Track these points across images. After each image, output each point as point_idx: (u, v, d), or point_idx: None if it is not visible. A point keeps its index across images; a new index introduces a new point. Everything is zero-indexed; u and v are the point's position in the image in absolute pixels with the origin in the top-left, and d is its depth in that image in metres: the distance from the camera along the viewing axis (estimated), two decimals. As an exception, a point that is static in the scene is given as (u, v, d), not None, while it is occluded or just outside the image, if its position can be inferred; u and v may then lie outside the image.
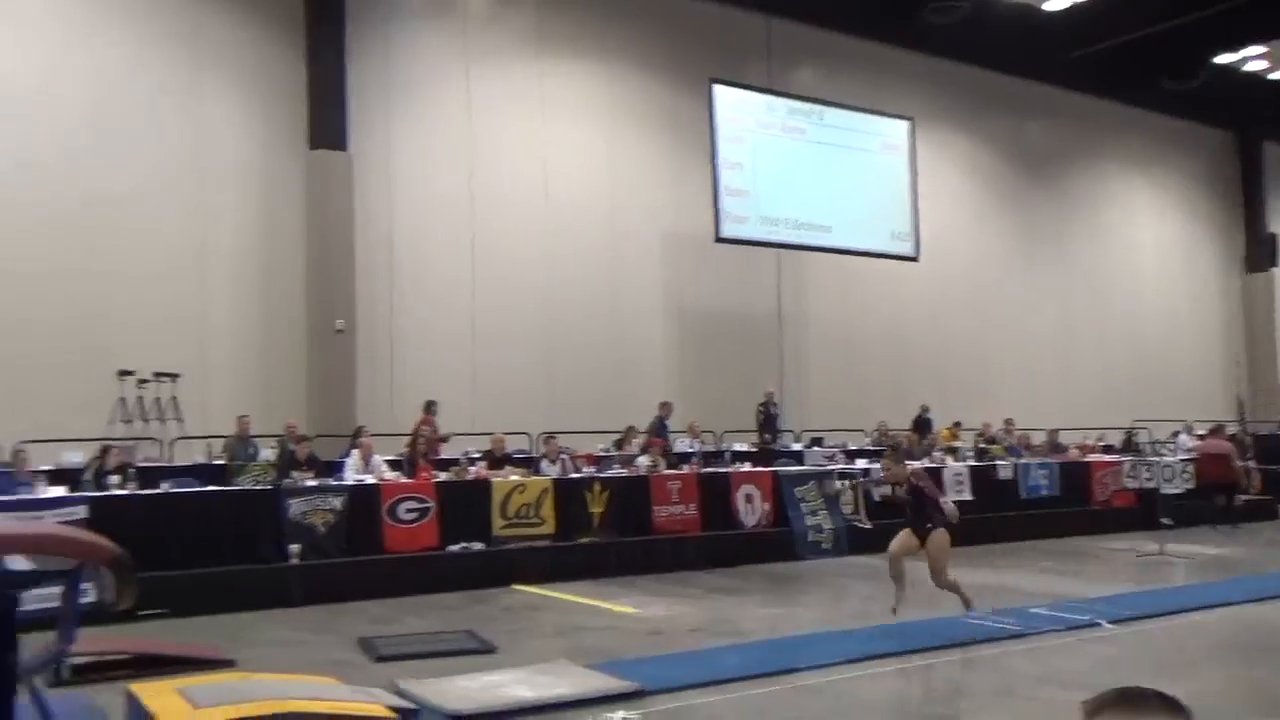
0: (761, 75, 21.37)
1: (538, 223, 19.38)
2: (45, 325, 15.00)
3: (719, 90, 20.19)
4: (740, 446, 17.66)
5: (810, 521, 14.14)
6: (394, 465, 12.99)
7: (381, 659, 7.84)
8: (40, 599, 6.84)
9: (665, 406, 17.08)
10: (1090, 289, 27.04)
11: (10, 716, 5.07)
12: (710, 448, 17.44)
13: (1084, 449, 19.45)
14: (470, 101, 18.94)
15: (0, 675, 5.01)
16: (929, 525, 8.69)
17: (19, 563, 5.49)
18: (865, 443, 19.24)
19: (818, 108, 21.52)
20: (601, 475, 13.63)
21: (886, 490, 9.61)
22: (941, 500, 9.04)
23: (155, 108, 16.38)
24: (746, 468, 15.04)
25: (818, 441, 18.61)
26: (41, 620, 5.88)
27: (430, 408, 15.59)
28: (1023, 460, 17.48)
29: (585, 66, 20.25)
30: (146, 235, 16.00)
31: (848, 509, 14.46)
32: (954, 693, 6.83)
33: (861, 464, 16.05)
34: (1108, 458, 18.85)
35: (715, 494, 13.75)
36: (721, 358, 20.88)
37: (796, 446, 18.43)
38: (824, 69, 22.80)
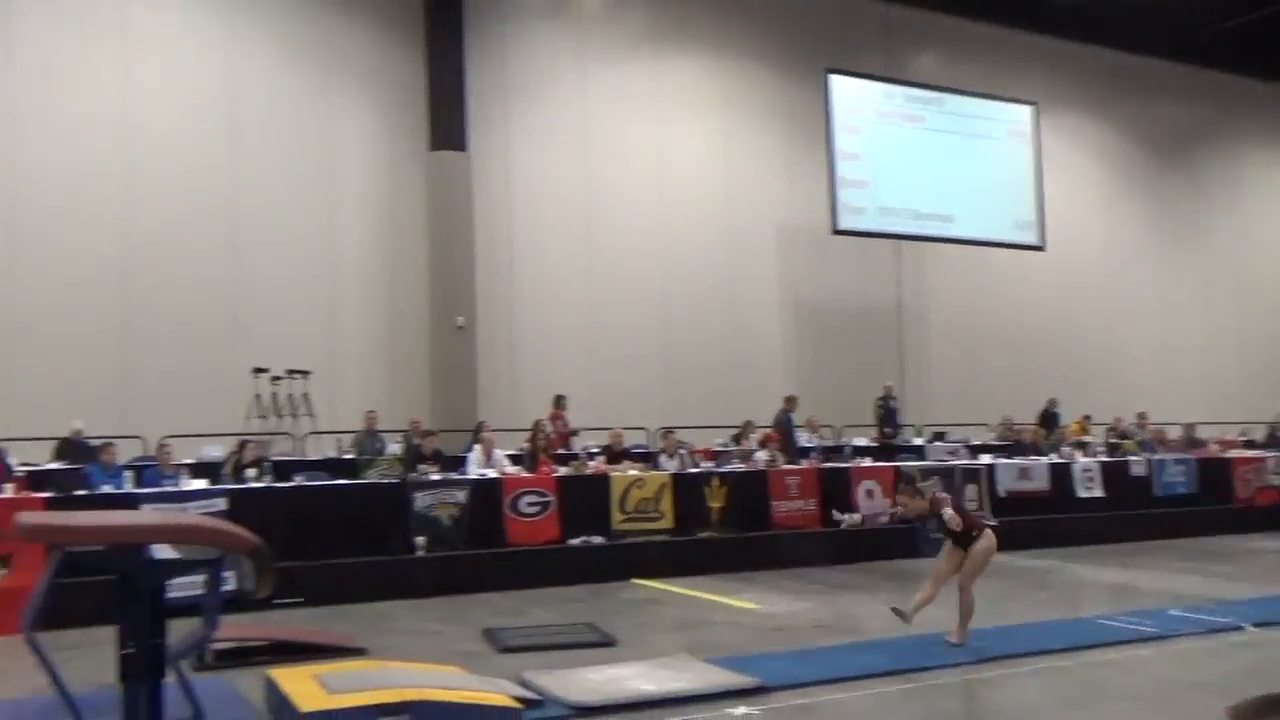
0: (879, 63, 21.01)
1: (653, 218, 19.47)
2: (188, 326, 15.75)
3: (835, 80, 19.94)
4: (860, 441, 17.41)
5: (933, 517, 13.83)
6: (515, 460, 13.19)
7: (506, 650, 7.96)
8: (185, 587, 7.18)
9: (790, 401, 16.85)
10: (1231, 276, 25.85)
11: (160, 697, 5.33)
12: (829, 442, 17.24)
13: (1224, 444, 18.60)
14: (586, 99, 19.13)
15: (150, 658, 5.28)
16: (974, 535, 8.05)
17: (166, 552, 5.73)
18: (989, 437, 18.78)
19: (937, 95, 21.08)
20: (720, 470, 13.61)
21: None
22: (945, 509, 8.12)
23: (288, 118, 17.03)
24: (867, 463, 14.82)
25: (939, 436, 18.25)
26: (187, 607, 6.17)
27: (560, 402, 15.75)
28: (1157, 456, 16.82)
29: (699, 61, 20.24)
30: (280, 238, 16.66)
31: (971, 505, 14.12)
32: (1091, 696, 6.60)
33: (986, 459, 15.67)
34: (1251, 453, 17.98)
35: (835, 489, 13.58)
36: (839, 351, 20.64)
37: (918, 441, 18.10)
38: (944, 55, 22.30)
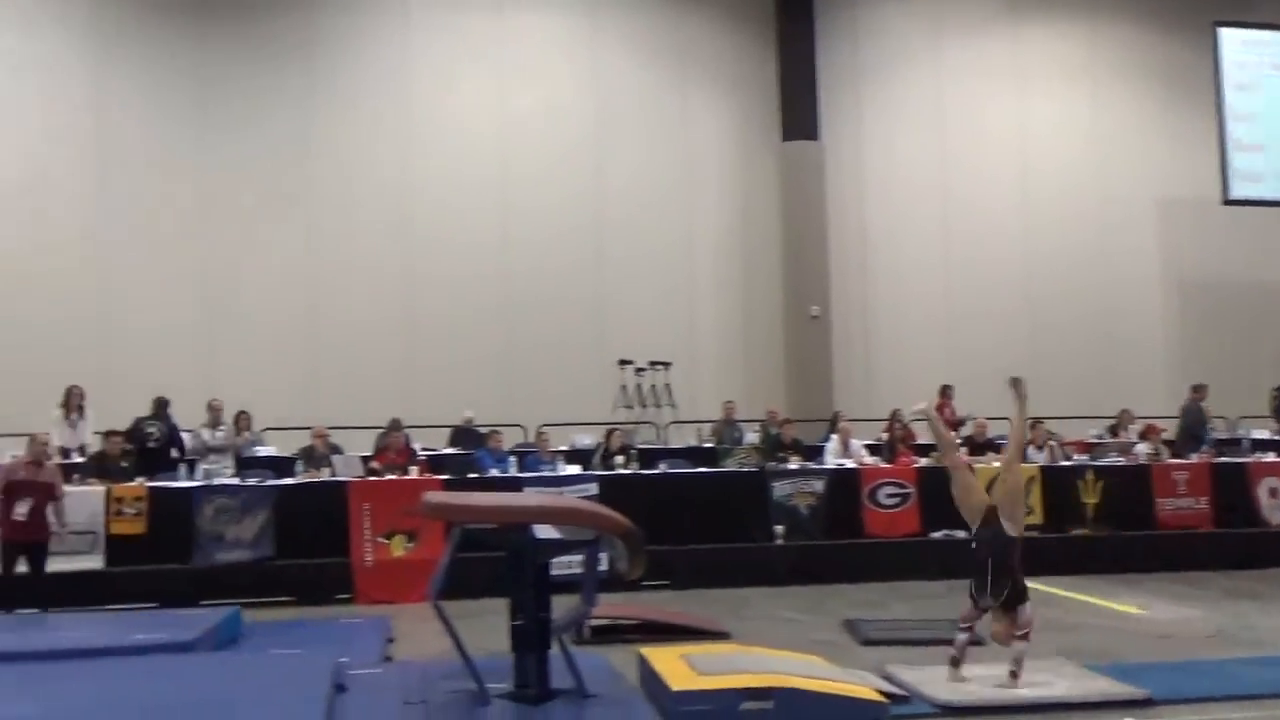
0: (1275, 11, 18.76)
1: (1015, 196, 18.54)
2: (560, 319, 16.88)
3: (1224, 34, 18.00)
4: (1260, 434, 15.63)
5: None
6: (872, 450, 13.02)
7: (868, 642, 7.89)
8: (565, 566, 7.70)
9: (1199, 390, 15.21)
10: None
11: (546, 666, 5.74)
12: (1222, 434, 15.61)
13: None
14: (941, 79, 18.53)
15: (538, 631, 5.70)
16: None
17: (548, 532, 6.14)
18: None
19: (1352, 41, 18.50)
20: (1095, 463, 12.72)
21: None
22: None
23: (647, 116, 17.80)
24: (1270, 457, 13.31)
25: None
26: (566, 585, 6.60)
27: (946, 391, 15.19)
28: None
29: (1062, 29, 19.02)
30: (641, 233, 17.43)
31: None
32: None
33: None
34: None
35: (1231, 487, 12.32)
36: (1230, 333, 18.63)
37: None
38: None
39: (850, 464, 12.16)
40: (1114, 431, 14.76)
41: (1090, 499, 12.06)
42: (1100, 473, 12.27)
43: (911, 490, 11.65)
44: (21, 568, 8.83)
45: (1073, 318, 18.37)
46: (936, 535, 11.53)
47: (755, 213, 17.96)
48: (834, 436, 12.94)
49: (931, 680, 6.36)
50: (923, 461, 12.46)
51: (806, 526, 11.37)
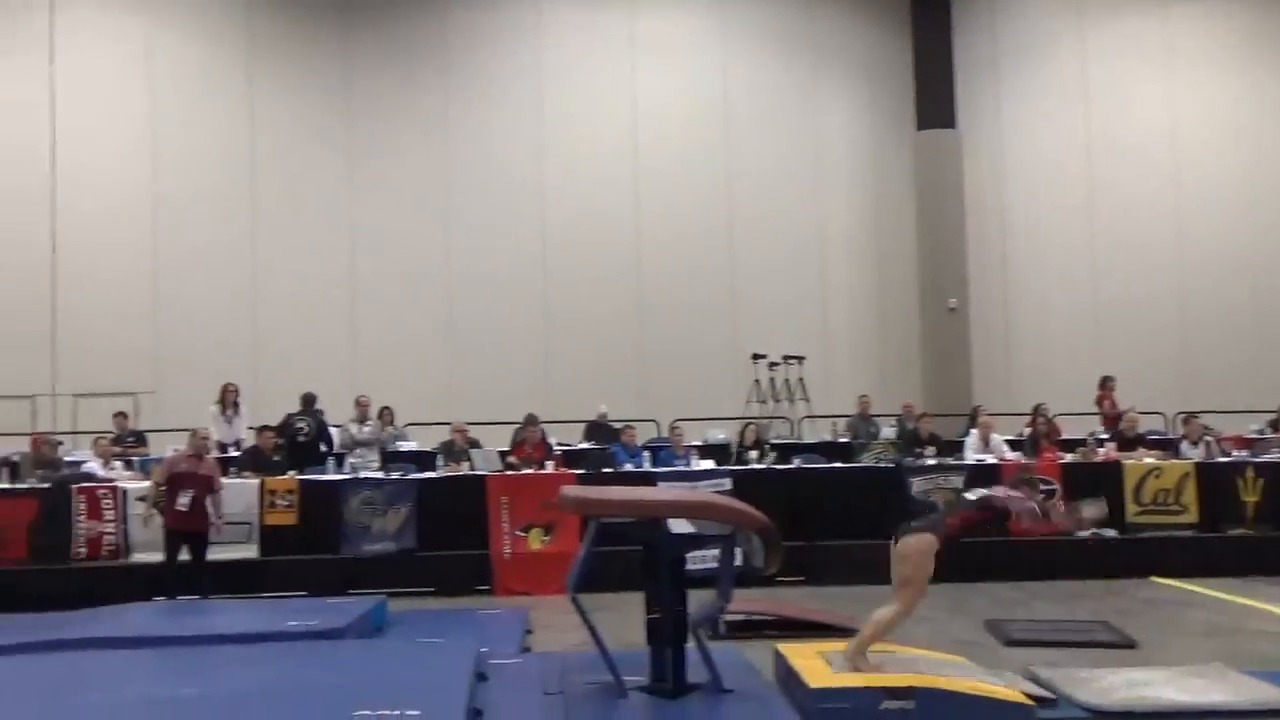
0: None
1: (1165, 181, 17.82)
2: (692, 314, 16.94)
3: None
4: None
5: None
6: (1014, 445, 12.64)
7: (1012, 643, 7.67)
8: (701, 561, 7.71)
9: None
10: None
11: (683, 660, 5.76)
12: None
13: None
14: (1086, 61, 17.91)
15: (674, 625, 5.73)
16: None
17: (683, 527, 6.16)
18: None
19: None
20: (1256, 460, 12.06)
21: None
22: None
23: (777, 110, 17.74)
24: None
25: None
26: (702, 580, 6.61)
27: (1107, 383, 14.62)
28: None
29: (1213, 6, 18.25)
30: (772, 227, 17.37)
31: None
32: None
33: None
34: None
35: None
36: None
37: None
38: None
39: (991, 459, 11.82)
40: (1275, 426, 13.98)
41: (1250, 497, 11.45)
42: (1261, 470, 11.64)
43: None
44: (184, 556, 9.30)
45: (1229, 307, 17.53)
46: (1084, 534, 11.12)
47: (889, 203, 17.66)
48: (974, 431, 12.62)
49: (1080, 683, 6.14)
50: (1068, 457, 12.04)
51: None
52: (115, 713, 5.10)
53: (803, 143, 17.71)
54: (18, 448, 12.97)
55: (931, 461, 11.68)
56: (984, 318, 17.38)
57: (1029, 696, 5.66)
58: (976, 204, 17.47)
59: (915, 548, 6.30)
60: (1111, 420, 13.61)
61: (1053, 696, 5.89)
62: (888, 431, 13.83)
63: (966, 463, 11.73)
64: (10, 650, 6.95)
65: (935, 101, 17.29)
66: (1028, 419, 13.42)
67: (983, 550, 10.92)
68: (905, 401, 14.68)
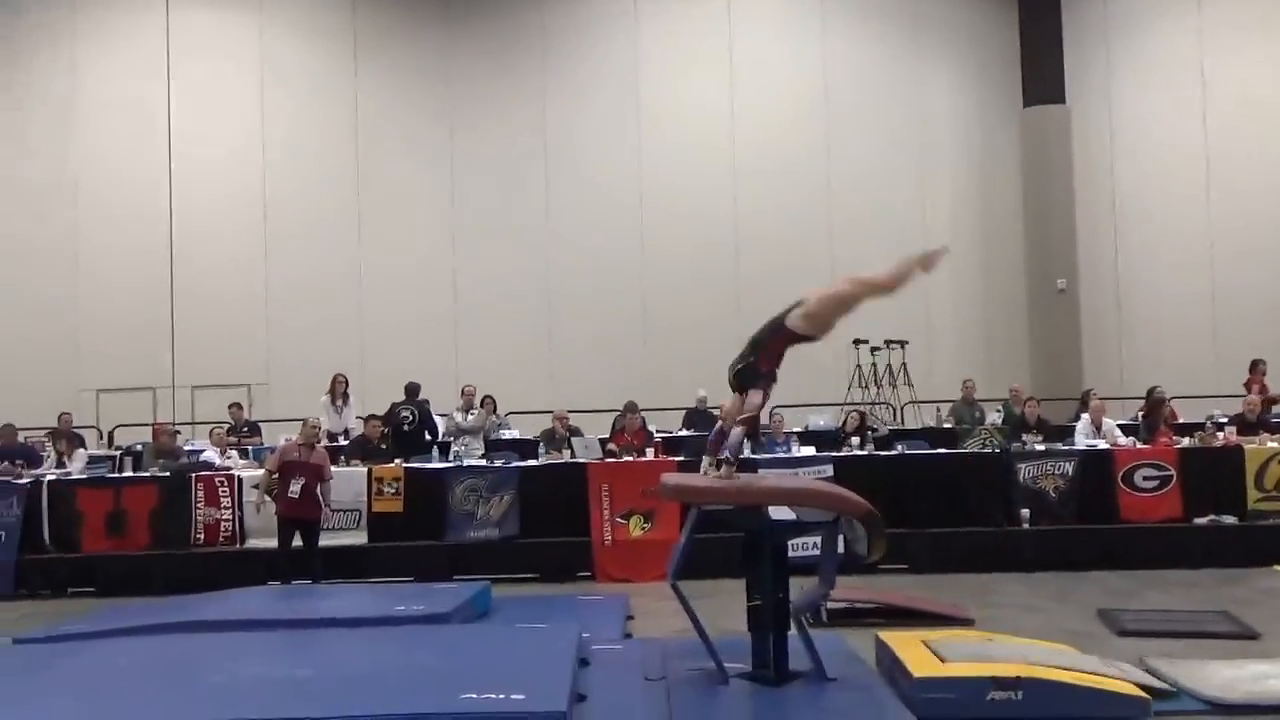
0: None
1: (1290, 155, 17.01)
2: (789, 299, 16.72)
3: None
4: None
5: None
6: (1126, 430, 12.25)
7: (1125, 633, 7.44)
8: (802, 547, 7.66)
9: None
10: None
11: (784, 647, 5.74)
12: None
13: None
14: (1201, 32, 17.25)
15: (775, 611, 5.70)
16: None
17: (783, 513, 6.12)
18: None
19: None
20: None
21: None
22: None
23: (877, 88, 17.54)
24: None
25: None
26: (803, 566, 6.57)
27: (1257, 366, 14.05)
28: None
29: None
30: (872, 209, 17.15)
31: None
32: None
33: None
34: None
35: None
36: None
37: None
38: None
39: (1103, 444, 11.48)
40: None
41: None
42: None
43: (1172, 473, 10.88)
44: (296, 542, 9.59)
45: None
46: (1201, 521, 10.74)
47: (994, 183, 17.27)
48: (1084, 416, 12.27)
49: (1200, 675, 5.92)
50: (1184, 442, 11.63)
51: (1055, 510, 10.82)
52: (233, 691, 5.29)
53: (904, 122, 17.41)
54: (140, 438, 13.55)
55: (1040, 447, 11.39)
56: (1094, 299, 16.87)
57: (1144, 689, 5.49)
58: (1086, 182, 16.96)
59: None
60: (1267, 403, 12.97)
61: (1171, 689, 5.69)
62: (993, 417, 13.53)
63: (1077, 448, 11.41)
64: (135, 631, 7.26)
65: (1043, 76, 16.82)
66: (1141, 403, 12.99)
67: (1093, 537, 10.68)
68: (1012, 386, 14.32)
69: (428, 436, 12.64)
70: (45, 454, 12.05)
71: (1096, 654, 6.29)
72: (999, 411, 13.65)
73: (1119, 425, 12.23)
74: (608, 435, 12.28)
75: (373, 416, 12.02)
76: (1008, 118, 17.23)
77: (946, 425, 13.73)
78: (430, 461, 11.66)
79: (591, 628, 7.12)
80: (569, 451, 11.60)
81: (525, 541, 10.70)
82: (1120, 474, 10.91)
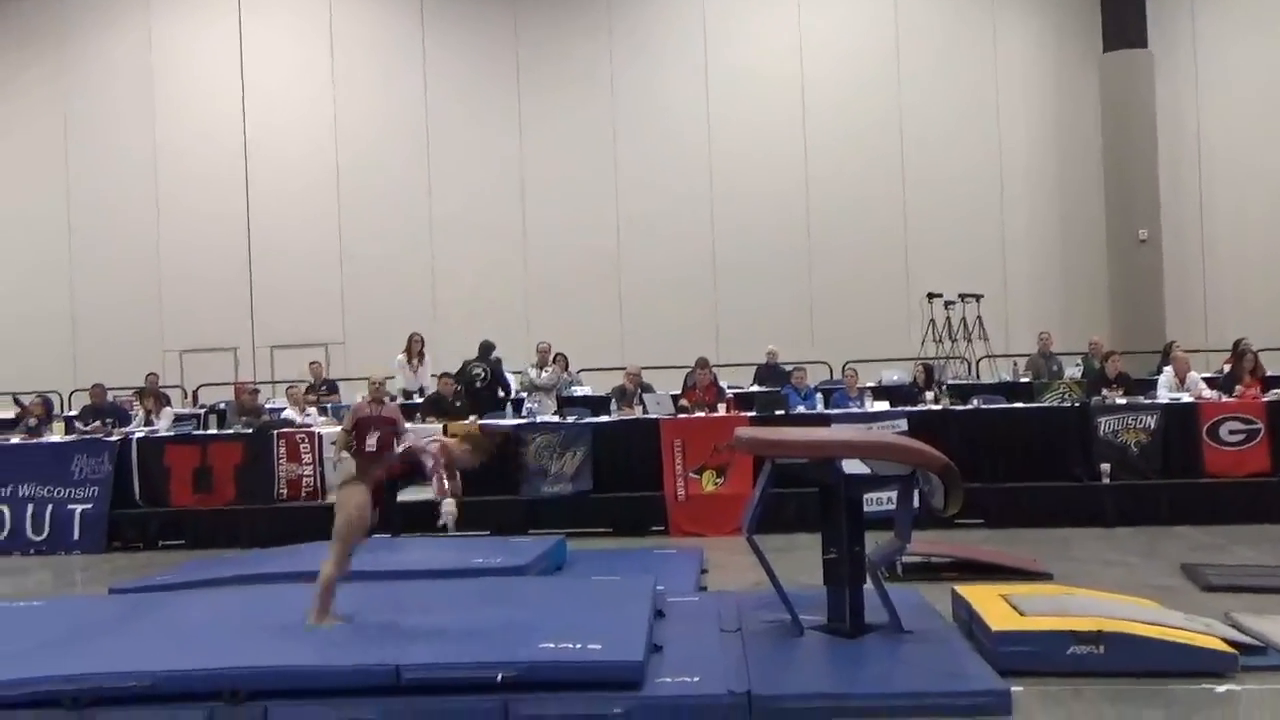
0: None
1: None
2: (863, 253, 16.63)
3: None
4: None
5: None
6: (1211, 383, 11.93)
7: (1210, 589, 7.29)
8: (878, 502, 7.61)
9: None
10: None
11: (860, 601, 5.73)
12: None
13: None
14: (1293, -35, 16.52)
15: (853, 565, 5.69)
16: None
17: (858, 467, 6.08)
18: None
19: None
20: None
21: None
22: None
23: (951, 36, 17.14)
24: None
25: None
26: (878, 520, 6.54)
27: None
28: None
29: None
30: (947, 160, 16.85)
31: None
32: None
33: None
34: None
35: None
36: None
37: None
38: None
39: (1187, 398, 11.20)
40: None
41: None
42: None
43: (1260, 426, 10.58)
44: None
45: None
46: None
47: (1073, 131, 16.83)
48: (1167, 368, 11.97)
49: (1288, 631, 5.79)
50: (1272, 394, 11.30)
51: (1137, 465, 10.60)
52: (315, 639, 5.44)
53: (979, 70, 17.01)
54: (223, 397, 13.90)
55: (1120, 401, 11.15)
56: (1177, 249, 16.42)
57: (1230, 644, 5.38)
58: (1170, 129, 16.44)
59: (345, 497, 5.92)
60: None
61: (1258, 643, 5.58)
62: (1072, 370, 13.27)
63: (1159, 402, 11.15)
64: (222, 583, 7.49)
65: (1124, 20, 16.29)
66: (1226, 356, 12.64)
67: (1177, 492, 10.46)
68: (1091, 338, 14.03)
69: (500, 394, 12.76)
70: (134, 413, 12.42)
71: (1180, 609, 6.18)
72: (1078, 365, 13.39)
73: (1204, 378, 11.92)
74: (679, 391, 12.29)
75: (445, 374, 12.16)
76: (1087, 64, 16.74)
77: (1023, 379, 13.50)
78: (503, 418, 11.78)
79: (666, 581, 7.17)
80: (640, 408, 11.63)
81: (599, 496, 10.78)
82: (1205, 428, 10.65)
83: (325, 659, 5.05)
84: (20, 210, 17.84)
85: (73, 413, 13.21)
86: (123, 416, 12.15)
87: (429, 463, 5.89)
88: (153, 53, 17.77)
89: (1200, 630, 5.49)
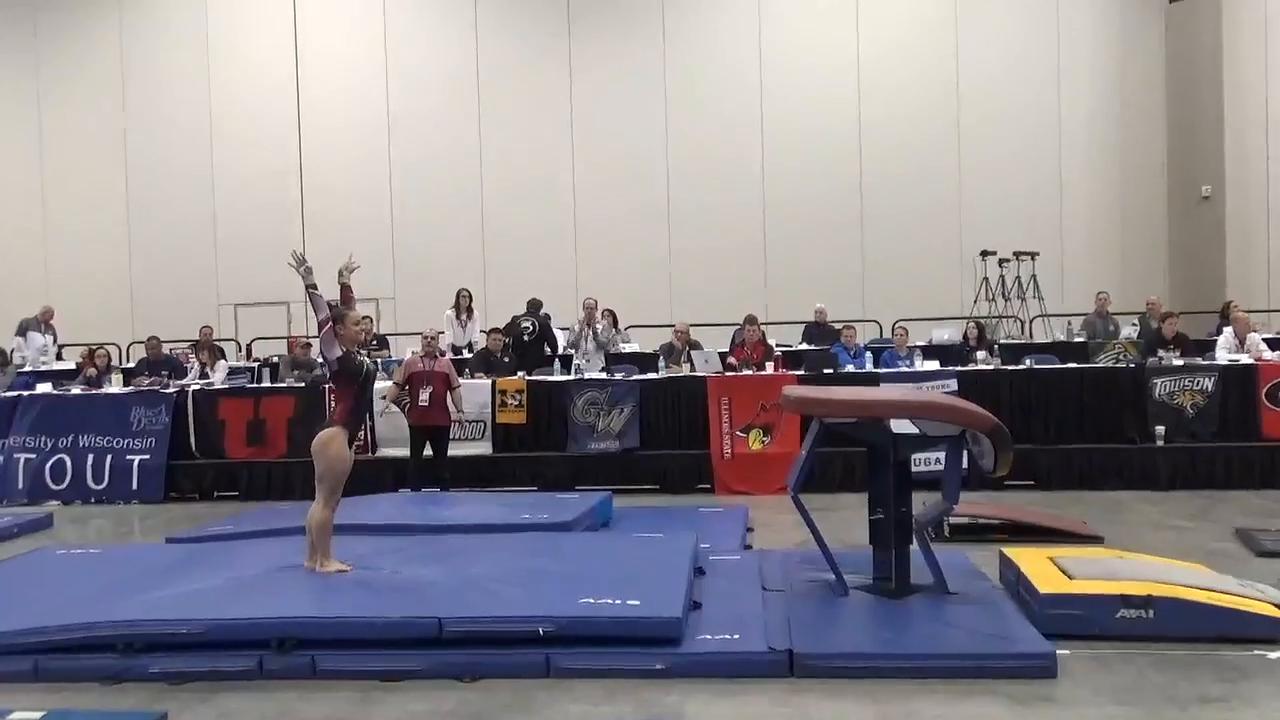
0: None
1: None
2: (916, 210, 16.39)
3: None
4: None
5: None
6: (1273, 344, 11.65)
7: (1264, 554, 7.17)
8: (926, 462, 7.55)
9: None
10: None
11: (906, 561, 5.70)
12: None
13: None
14: (1372, -90, 15.84)
15: (898, 525, 5.66)
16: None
17: (904, 426, 6.03)
18: None
19: None
20: None
21: None
22: None
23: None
24: None
25: None
26: (926, 481, 6.48)
27: None
28: None
29: None
30: (1003, 113, 16.55)
31: None
32: None
33: None
34: None
35: None
36: None
37: None
38: None
39: (1246, 359, 10.95)
40: None
41: None
42: None
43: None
44: (426, 452, 9.89)
45: None
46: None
47: (1134, 84, 16.40)
48: (1226, 329, 11.70)
49: (1345, 599, 5.68)
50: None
51: (1193, 427, 10.42)
52: (366, 589, 5.53)
53: (1039, 19, 16.59)
54: (276, 351, 14.08)
55: (1178, 362, 10.93)
56: (1242, 207, 15.95)
57: (1284, 610, 5.30)
58: (1237, 82, 15.92)
59: (324, 443, 6.04)
60: None
61: (1312, 611, 5.48)
62: (1128, 331, 13.02)
63: (1218, 363, 10.92)
64: (276, 534, 7.63)
65: (1191, -32, 15.81)
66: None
67: (1233, 455, 10.27)
68: (1149, 298, 13.74)
69: (547, 350, 12.79)
70: (189, 365, 12.62)
71: (1233, 575, 6.09)
72: (1134, 325, 13.13)
73: (1265, 338, 11.65)
74: (727, 349, 12.23)
75: (495, 330, 12.21)
76: (1151, 13, 16.29)
77: (1078, 339, 13.26)
78: (551, 374, 11.82)
79: (711, 539, 7.20)
80: (688, 365, 11.61)
81: (645, 454, 10.82)
82: (1264, 390, 10.43)
83: (371, 610, 5.14)
84: (80, 168, 18.11)
85: (130, 365, 13.45)
86: (179, 369, 12.36)
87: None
88: (207, 15, 17.93)
89: (1254, 596, 5.41)
